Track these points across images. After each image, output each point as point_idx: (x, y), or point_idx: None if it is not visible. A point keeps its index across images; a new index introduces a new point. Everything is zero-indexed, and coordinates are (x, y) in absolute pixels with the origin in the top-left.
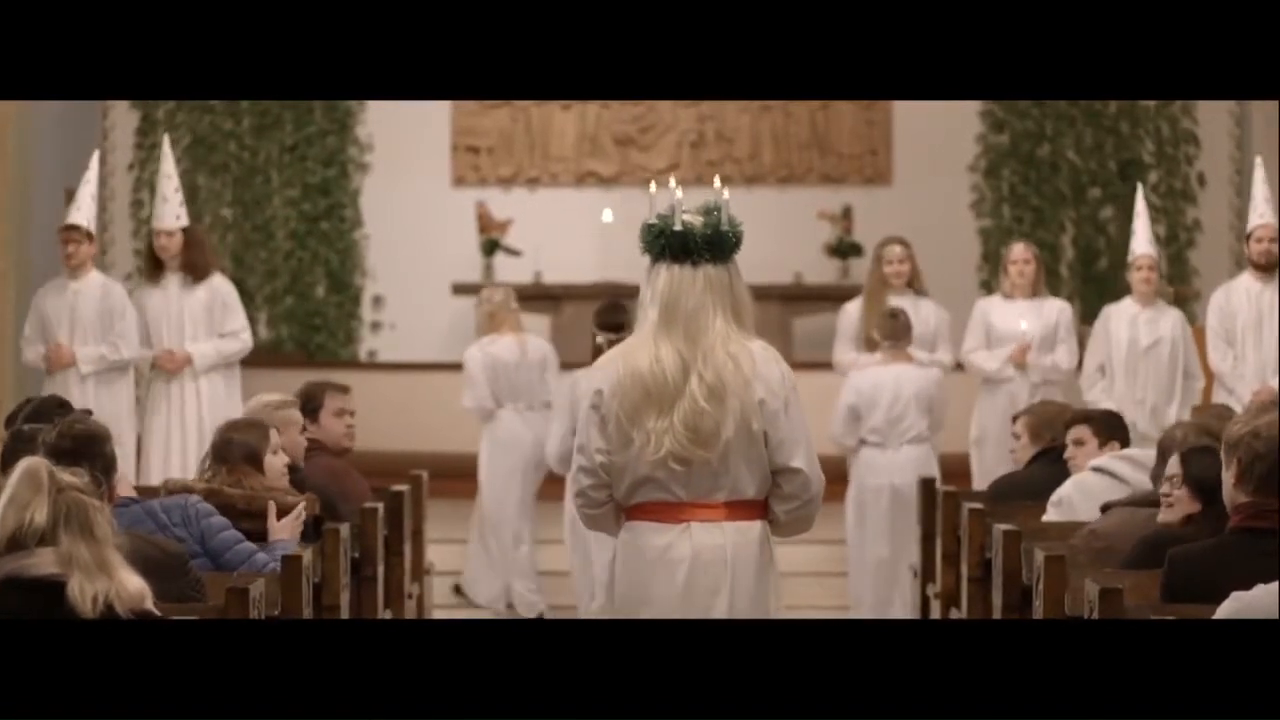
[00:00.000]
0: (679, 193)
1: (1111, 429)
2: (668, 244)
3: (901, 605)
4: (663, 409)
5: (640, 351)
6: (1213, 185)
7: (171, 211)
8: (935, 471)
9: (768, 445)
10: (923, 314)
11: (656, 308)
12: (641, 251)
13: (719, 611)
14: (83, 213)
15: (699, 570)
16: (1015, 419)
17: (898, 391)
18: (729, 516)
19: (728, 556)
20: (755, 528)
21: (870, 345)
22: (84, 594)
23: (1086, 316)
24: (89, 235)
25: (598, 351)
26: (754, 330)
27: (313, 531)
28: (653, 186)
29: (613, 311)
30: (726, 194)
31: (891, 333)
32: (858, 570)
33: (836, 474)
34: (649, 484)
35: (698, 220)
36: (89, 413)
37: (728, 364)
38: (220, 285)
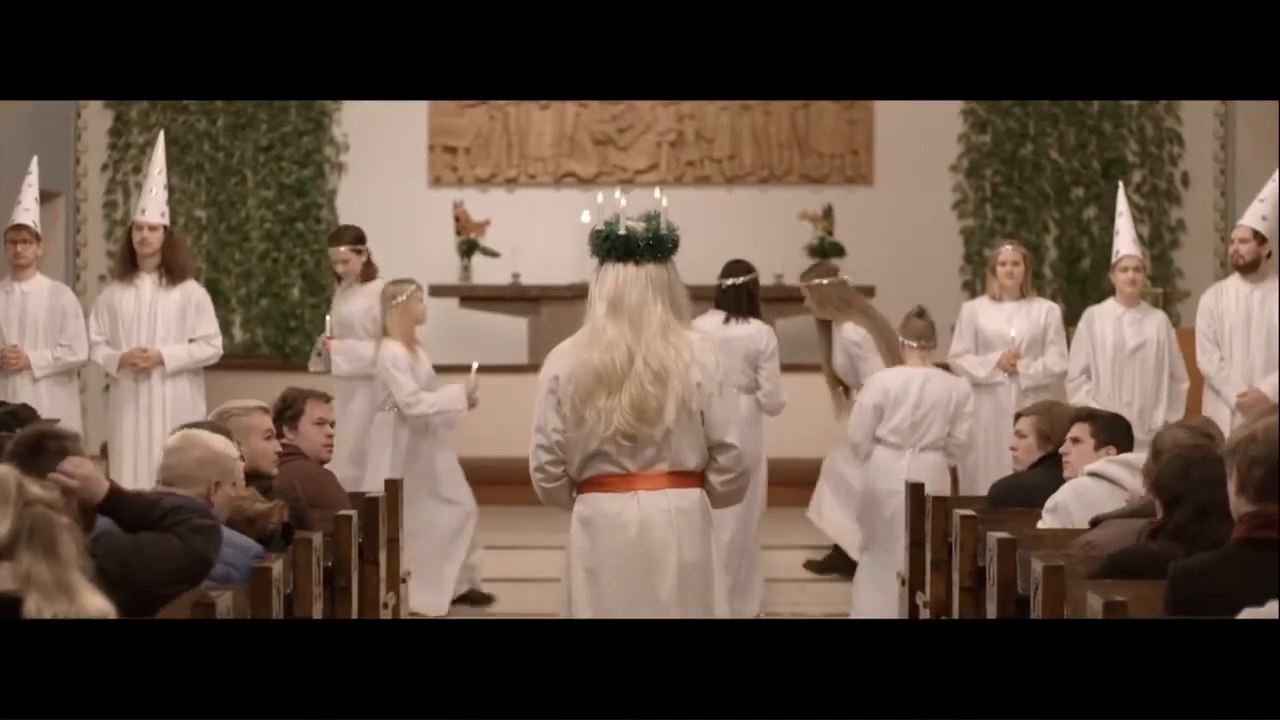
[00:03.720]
0: (623, 201)
1: (1111, 433)
2: (613, 246)
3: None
4: (611, 390)
5: (591, 341)
6: (1197, 185)
7: (157, 206)
8: (947, 481)
9: (705, 423)
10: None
11: (604, 302)
12: (590, 254)
13: (670, 565)
14: (30, 213)
15: (648, 530)
16: (1018, 416)
17: (923, 395)
18: (671, 485)
19: (672, 519)
20: (695, 493)
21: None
22: (40, 614)
23: (1070, 318)
24: (36, 236)
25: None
26: (690, 321)
27: (282, 540)
28: (599, 197)
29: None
30: (665, 201)
31: (918, 333)
32: (869, 563)
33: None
34: (599, 458)
35: (639, 225)
36: (56, 421)
37: (669, 351)
38: (194, 290)
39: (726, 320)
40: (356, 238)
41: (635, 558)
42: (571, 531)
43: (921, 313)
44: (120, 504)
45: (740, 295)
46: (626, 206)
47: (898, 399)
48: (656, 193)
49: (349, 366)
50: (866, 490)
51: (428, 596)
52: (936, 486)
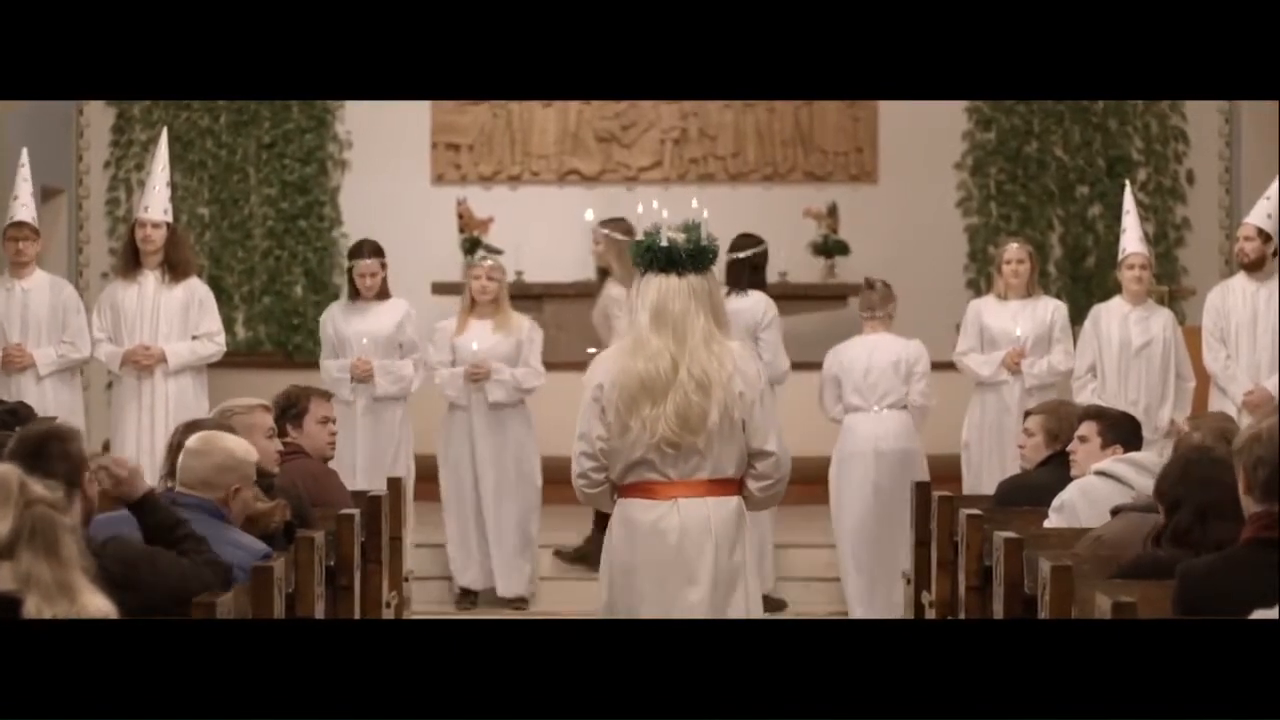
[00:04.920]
0: (665, 213)
1: (1119, 432)
2: (655, 258)
3: (886, 576)
4: (656, 399)
5: (635, 349)
6: (1202, 183)
7: (160, 204)
8: (916, 441)
9: (745, 431)
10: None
11: (647, 313)
12: (631, 264)
13: (705, 571)
14: (28, 209)
15: (687, 538)
16: (1027, 415)
17: (872, 358)
18: (710, 492)
19: (711, 526)
20: (733, 501)
21: None
22: (40, 615)
23: (1074, 316)
24: (36, 232)
25: None
26: (730, 330)
27: (284, 539)
28: (639, 207)
29: None
30: (706, 213)
31: (867, 304)
32: (841, 538)
33: (819, 475)
34: (642, 465)
35: (680, 236)
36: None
37: (712, 361)
38: (198, 287)
39: (728, 294)
40: (380, 250)
41: (673, 564)
42: (610, 533)
43: (870, 284)
44: (151, 509)
45: (742, 269)
46: (668, 216)
47: (849, 365)
48: (694, 202)
49: (394, 387)
50: (838, 455)
51: (515, 583)
52: (904, 444)
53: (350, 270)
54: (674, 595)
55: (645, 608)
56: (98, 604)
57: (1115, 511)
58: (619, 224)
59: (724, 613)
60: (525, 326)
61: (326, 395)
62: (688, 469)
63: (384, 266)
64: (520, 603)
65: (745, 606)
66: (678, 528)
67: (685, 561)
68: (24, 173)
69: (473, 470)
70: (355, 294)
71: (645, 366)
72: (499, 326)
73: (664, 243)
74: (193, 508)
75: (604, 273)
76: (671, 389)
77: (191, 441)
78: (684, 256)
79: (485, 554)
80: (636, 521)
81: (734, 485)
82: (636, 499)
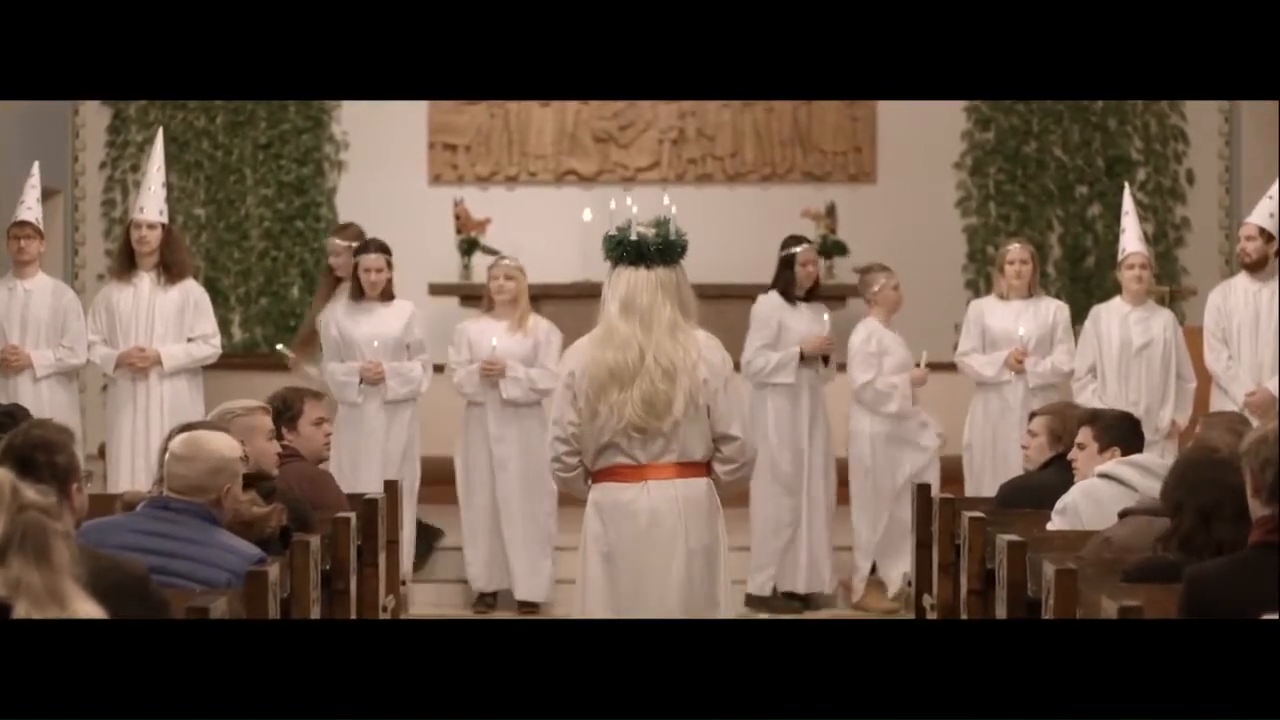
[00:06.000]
0: (635, 208)
1: (1115, 434)
2: (625, 251)
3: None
4: (623, 386)
5: (605, 339)
6: (1201, 183)
7: (155, 204)
8: (861, 424)
9: (710, 416)
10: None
11: (617, 303)
12: (603, 258)
13: (678, 551)
14: (33, 211)
15: (658, 518)
16: (1033, 415)
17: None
18: (679, 475)
19: (680, 507)
20: (702, 483)
21: None
22: None
23: (1074, 316)
24: (39, 233)
25: None
26: (698, 321)
27: (280, 544)
28: (612, 203)
29: None
30: (674, 209)
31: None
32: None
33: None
34: (612, 449)
35: (650, 231)
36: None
37: (678, 349)
38: (193, 288)
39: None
40: (386, 248)
41: (646, 544)
42: (586, 518)
43: (859, 270)
44: None
45: (778, 268)
46: (638, 212)
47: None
48: (665, 199)
49: (404, 390)
50: None
51: (537, 583)
52: (858, 429)
53: (355, 267)
54: (649, 572)
55: (622, 583)
56: (88, 610)
57: (1123, 514)
58: (349, 230)
59: (696, 588)
60: (544, 328)
61: (319, 396)
62: (655, 451)
63: (389, 265)
64: (531, 607)
65: (718, 583)
66: (648, 509)
67: (657, 540)
68: (33, 181)
69: (490, 469)
70: (359, 293)
71: (614, 355)
72: (518, 327)
73: (634, 237)
74: (185, 512)
75: (339, 280)
76: (639, 376)
77: (176, 446)
78: (652, 250)
79: (502, 555)
80: (610, 503)
81: (702, 468)
82: (609, 483)
